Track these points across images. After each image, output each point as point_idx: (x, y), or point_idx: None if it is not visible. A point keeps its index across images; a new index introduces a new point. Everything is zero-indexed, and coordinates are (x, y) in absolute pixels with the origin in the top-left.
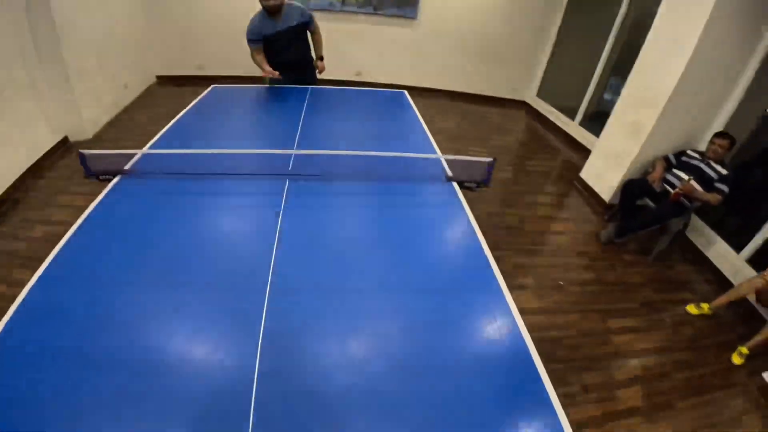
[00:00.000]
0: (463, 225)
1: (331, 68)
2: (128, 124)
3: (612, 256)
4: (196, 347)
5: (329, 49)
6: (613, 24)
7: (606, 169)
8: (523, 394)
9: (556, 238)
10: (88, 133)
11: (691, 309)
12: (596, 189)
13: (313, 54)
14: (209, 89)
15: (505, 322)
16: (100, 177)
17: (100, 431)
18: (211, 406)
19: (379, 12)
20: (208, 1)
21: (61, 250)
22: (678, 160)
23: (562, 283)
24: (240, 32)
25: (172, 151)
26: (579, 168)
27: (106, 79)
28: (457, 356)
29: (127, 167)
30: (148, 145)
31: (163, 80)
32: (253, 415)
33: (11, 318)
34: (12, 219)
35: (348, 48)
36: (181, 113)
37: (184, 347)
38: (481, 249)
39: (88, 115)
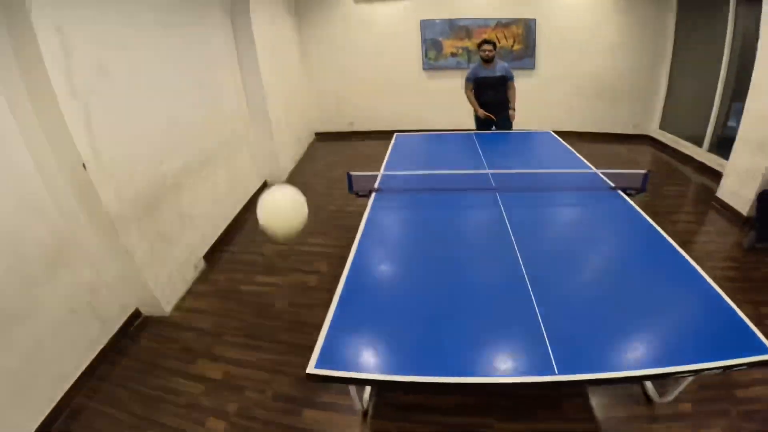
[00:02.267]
0: (636, 215)
1: (466, 117)
2: (306, 172)
3: (757, 259)
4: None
5: (456, 100)
6: (723, 49)
7: (740, 185)
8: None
9: (701, 246)
10: (282, 178)
11: None
12: (733, 204)
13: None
14: (395, 137)
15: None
16: (359, 194)
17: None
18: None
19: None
20: (356, 66)
21: (361, 240)
22: None
23: None
24: (383, 93)
25: (408, 172)
26: (712, 189)
27: (290, 134)
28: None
29: (376, 186)
30: (382, 170)
31: (321, 136)
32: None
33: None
34: (241, 240)
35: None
36: (387, 155)
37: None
38: (662, 236)
39: (282, 163)
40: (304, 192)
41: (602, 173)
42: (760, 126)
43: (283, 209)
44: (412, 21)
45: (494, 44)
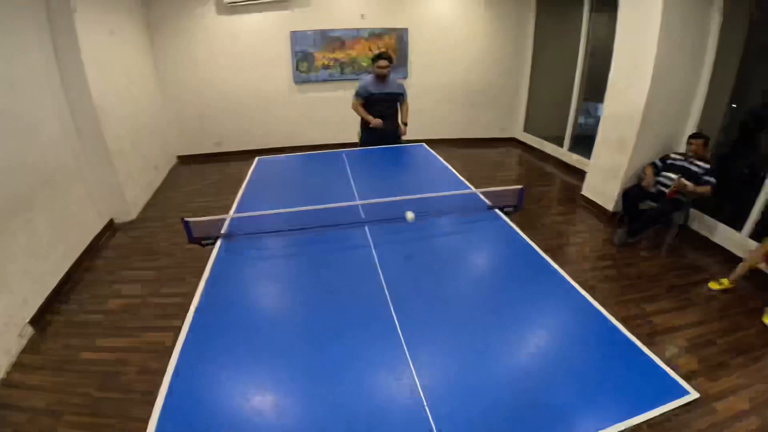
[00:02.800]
0: (514, 234)
1: (340, 131)
2: (165, 203)
3: (629, 254)
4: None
5: (329, 114)
6: (577, 57)
7: (604, 183)
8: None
9: (577, 247)
10: (132, 214)
11: (713, 285)
12: (599, 202)
13: (399, 120)
14: (255, 162)
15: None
16: (204, 243)
17: None
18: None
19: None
20: (221, 82)
21: (199, 304)
22: (664, 163)
23: None
24: (252, 109)
25: (262, 212)
26: (577, 187)
27: (140, 161)
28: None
29: (223, 231)
30: (232, 210)
31: (185, 159)
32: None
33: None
34: (79, 297)
35: (349, 112)
36: (243, 185)
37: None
38: (536, 250)
39: (130, 197)
40: (158, 231)
41: (479, 192)
42: (617, 126)
43: None
44: (281, 32)
45: (390, 59)
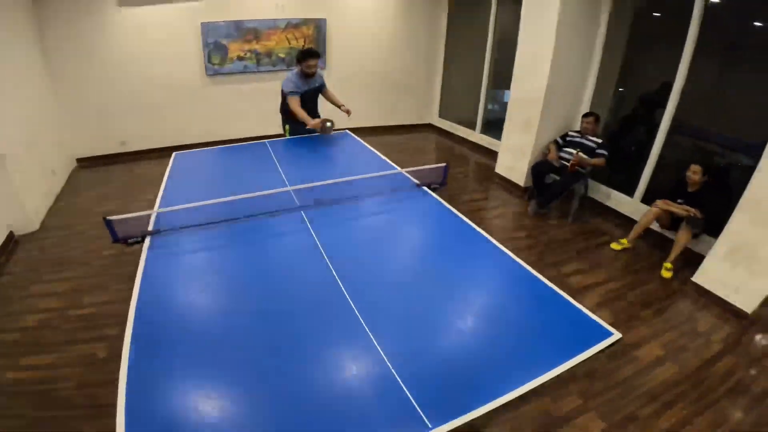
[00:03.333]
0: (444, 208)
1: (261, 124)
2: (69, 209)
3: (541, 224)
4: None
5: (247, 107)
6: (486, 47)
7: (514, 161)
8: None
9: (496, 221)
10: (35, 224)
11: (615, 246)
12: (511, 178)
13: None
14: (173, 157)
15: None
16: (129, 241)
17: None
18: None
19: (292, 68)
20: (125, 78)
21: (138, 304)
22: (564, 140)
23: None
24: (161, 105)
25: (191, 204)
26: (491, 167)
27: (36, 167)
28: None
29: (150, 228)
30: (156, 205)
31: (85, 162)
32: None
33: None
34: None
35: (268, 104)
36: (164, 181)
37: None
38: (466, 221)
39: (30, 206)
40: (68, 240)
41: (406, 172)
42: (523, 109)
43: None
44: (191, 24)
45: (318, 55)
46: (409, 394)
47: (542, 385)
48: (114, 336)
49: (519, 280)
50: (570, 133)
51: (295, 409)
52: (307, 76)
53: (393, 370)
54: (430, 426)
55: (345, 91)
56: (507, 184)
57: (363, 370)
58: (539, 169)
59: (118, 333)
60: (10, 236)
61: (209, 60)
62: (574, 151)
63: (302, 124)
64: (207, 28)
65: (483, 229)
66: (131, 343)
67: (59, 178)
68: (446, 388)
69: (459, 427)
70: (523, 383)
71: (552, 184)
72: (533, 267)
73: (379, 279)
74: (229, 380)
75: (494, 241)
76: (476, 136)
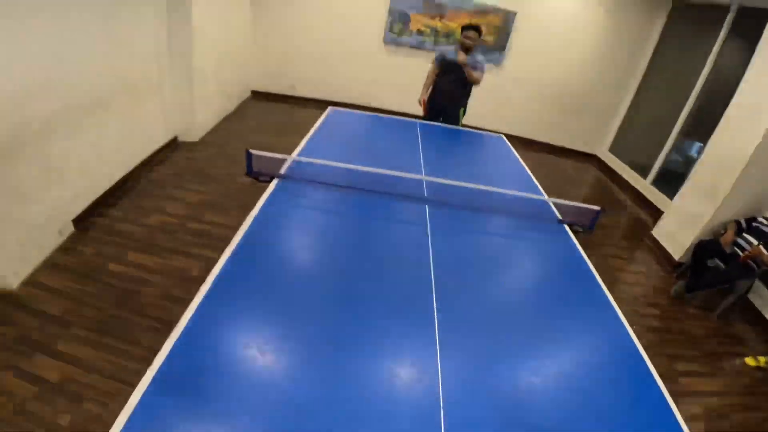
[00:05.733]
0: (578, 255)
1: (415, 102)
2: (229, 132)
3: (679, 309)
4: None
5: (409, 82)
6: (694, 86)
7: (679, 228)
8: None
9: (629, 288)
10: (196, 135)
11: (750, 361)
12: (667, 247)
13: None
14: (327, 111)
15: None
16: (260, 178)
17: None
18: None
19: None
20: (312, 27)
21: (239, 244)
22: (749, 225)
23: None
24: (335, 59)
25: (326, 162)
26: (647, 225)
27: (217, 87)
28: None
29: (282, 171)
30: (295, 153)
31: (258, 95)
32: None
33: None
34: (125, 205)
35: None
36: (310, 131)
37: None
38: (596, 277)
39: (200, 119)
40: (216, 158)
41: (553, 202)
42: (714, 171)
43: None
44: None
45: (479, 30)
46: None
47: None
48: (211, 260)
49: (623, 360)
50: (760, 219)
51: (321, 390)
52: (464, 49)
53: (441, 400)
54: None
55: (514, 94)
56: (658, 252)
57: (410, 386)
58: (705, 248)
59: (216, 258)
60: (174, 140)
61: (390, 28)
62: (755, 242)
63: (433, 106)
64: None
65: (611, 292)
66: (219, 273)
67: (231, 102)
68: None
69: None
70: None
71: (714, 270)
72: (650, 352)
73: (474, 303)
74: (290, 339)
75: (617, 310)
76: (644, 186)
